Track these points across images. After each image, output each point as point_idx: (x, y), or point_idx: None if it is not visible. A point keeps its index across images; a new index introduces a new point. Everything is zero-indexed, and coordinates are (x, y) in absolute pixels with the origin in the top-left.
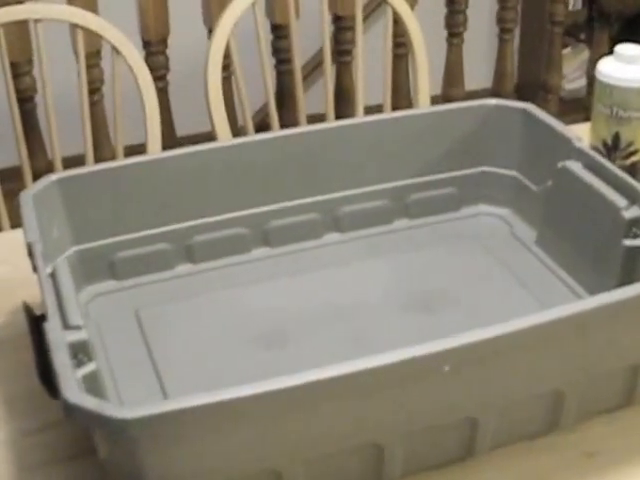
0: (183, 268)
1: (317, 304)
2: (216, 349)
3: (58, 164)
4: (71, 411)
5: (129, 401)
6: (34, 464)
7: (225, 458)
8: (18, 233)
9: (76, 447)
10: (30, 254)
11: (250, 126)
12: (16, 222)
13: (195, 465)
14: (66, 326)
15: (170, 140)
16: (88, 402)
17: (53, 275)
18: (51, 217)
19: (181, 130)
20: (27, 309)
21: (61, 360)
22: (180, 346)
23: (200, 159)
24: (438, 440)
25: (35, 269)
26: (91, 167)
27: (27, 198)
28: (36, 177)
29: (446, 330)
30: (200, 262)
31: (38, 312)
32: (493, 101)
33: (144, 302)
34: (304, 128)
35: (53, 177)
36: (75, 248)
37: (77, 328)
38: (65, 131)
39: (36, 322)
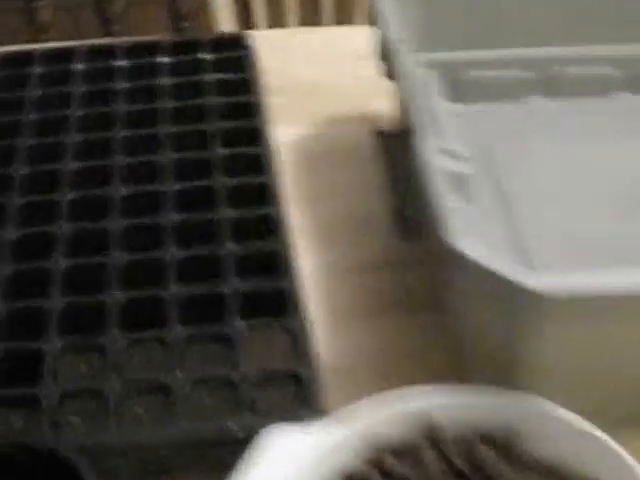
0: (537, 102)
1: None
2: (574, 207)
3: None
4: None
5: None
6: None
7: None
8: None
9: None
10: (384, 58)
11: None
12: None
13: (581, 362)
14: (441, 149)
15: None
16: (488, 259)
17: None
18: (400, 20)
19: None
20: (375, 124)
21: (440, 193)
22: (534, 192)
23: None
24: None
25: (391, 77)
26: None
27: None
28: None
29: None
30: (557, 98)
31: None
32: None
33: (492, 131)
34: None
35: None
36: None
37: (456, 155)
38: None
39: (389, 140)
